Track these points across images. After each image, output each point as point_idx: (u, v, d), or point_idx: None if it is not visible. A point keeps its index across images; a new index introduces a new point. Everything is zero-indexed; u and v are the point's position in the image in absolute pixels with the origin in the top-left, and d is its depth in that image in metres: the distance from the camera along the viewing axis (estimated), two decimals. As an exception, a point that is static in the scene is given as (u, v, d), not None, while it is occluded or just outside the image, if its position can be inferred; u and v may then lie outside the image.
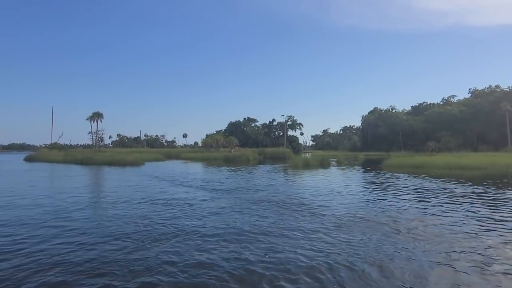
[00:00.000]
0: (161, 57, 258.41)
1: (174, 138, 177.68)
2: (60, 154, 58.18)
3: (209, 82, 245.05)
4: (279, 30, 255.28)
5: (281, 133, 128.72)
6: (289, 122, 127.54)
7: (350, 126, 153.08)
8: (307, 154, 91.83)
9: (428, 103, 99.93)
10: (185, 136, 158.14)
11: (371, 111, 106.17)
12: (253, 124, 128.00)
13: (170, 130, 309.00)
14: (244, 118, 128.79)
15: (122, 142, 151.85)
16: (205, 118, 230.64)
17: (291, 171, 30.37)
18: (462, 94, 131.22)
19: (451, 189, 15.97)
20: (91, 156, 48.05)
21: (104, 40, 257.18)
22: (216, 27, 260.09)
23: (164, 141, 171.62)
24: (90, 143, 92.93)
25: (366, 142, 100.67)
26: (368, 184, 19.20)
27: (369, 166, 37.47)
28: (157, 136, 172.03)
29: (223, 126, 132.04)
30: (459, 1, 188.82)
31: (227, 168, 35.64)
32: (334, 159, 48.58)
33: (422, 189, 16.18)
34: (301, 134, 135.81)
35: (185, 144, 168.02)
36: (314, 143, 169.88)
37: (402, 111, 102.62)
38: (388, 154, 78.17)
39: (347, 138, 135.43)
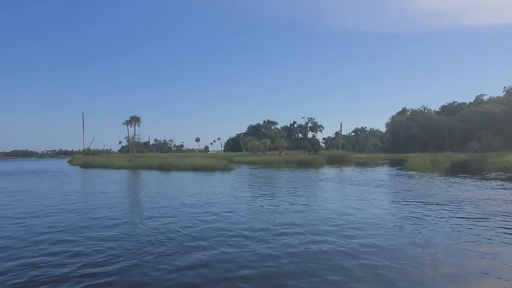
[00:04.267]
0: (165, 62, 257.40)
1: (182, 142, 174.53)
2: (123, 159, 55.09)
3: (213, 85, 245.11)
4: (276, 36, 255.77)
5: (302, 136, 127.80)
6: (309, 124, 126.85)
7: (362, 127, 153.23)
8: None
9: (459, 102, 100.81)
10: (197, 140, 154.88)
11: (400, 111, 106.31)
12: (273, 127, 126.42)
13: (176, 134, 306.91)
14: (264, 121, 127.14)
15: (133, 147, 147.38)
16: (214, 122, 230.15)
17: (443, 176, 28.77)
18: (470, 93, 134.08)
19: None
20: (168, 162, 45.31)
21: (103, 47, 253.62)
22: (216, 34, 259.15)
23: (172, 146, 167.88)
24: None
25: (396, 144, 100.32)
26: None
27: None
28: (165, 140, 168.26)
29: (236, 130, 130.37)
30: (454, 2, 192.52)
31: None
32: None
33: None
34: (313, 136, 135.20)
35: (195, 149, 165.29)
36: (324, 145, 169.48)
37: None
38: (435, 155, 78.04)
39: (365, 139, 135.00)
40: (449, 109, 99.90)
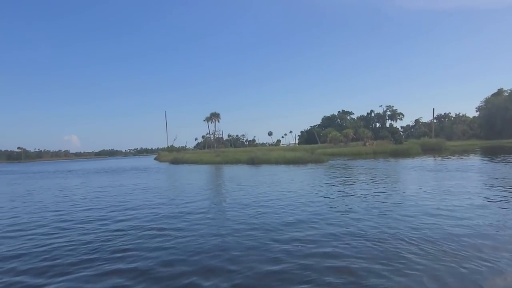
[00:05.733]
0: (234, 58, 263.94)
1: (254, 137, 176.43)
2: (211, 155, 56.36)
3: (283, 81, 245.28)
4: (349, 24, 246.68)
5: (380, 125, 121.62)
6: (388, 113, 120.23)
7: (445, 113, 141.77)
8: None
9: None
10: (270, 134, 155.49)
11: (495, 93, 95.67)
12: (348, 117, 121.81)
13: (247, 129, 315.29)
14: (339, 111, 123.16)
15: (209, 143, 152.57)
16: (285, 116, 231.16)
17: None
18: None
19: None
20: (258, 156, 44.90)
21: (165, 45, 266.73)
22: (283, 23, 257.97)
23: (245, 140, 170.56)
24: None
25: (492, 129, 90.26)
26: None
27: None
28: (237, 135, 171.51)
29: (307, 122, 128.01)
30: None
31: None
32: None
33: None
34: (391, 125, 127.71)
35: (266, 143, 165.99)
36: (402, 134, 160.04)
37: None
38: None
39: (451, 126, 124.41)
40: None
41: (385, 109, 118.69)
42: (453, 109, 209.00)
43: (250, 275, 5.39)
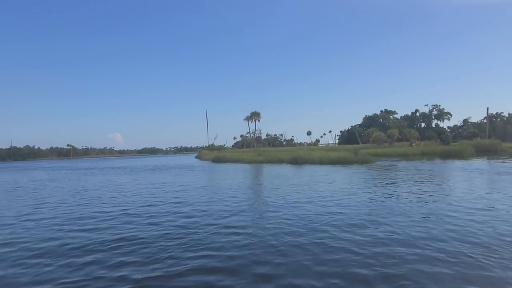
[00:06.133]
0: (270, 53, 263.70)
1: (292, 136, 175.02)
2: (253, 154, 56.21)
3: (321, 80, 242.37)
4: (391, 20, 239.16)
5: (425, 125, 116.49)
6: (434, 112, 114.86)
7: (497, 113, 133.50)
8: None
9: None
10: (309, 133, 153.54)
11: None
12: (392, 117, 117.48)
13: (285, 128, 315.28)
14: (381, 111, 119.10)
15: (247, 142, 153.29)
16: (323, 115, 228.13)
17: None
18: None
19: None
20: (301, 155, 43.98)
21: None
22: (322, 19, 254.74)
23: (283, 140, 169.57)
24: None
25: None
26: None
27: None
28: (275, 135, 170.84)
29: (347, 122, 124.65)
30: None
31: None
32: None
33: None
34: (437, 125, 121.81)
35: (304, 142, 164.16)
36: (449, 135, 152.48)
37: None
38: None
39: (504, 126, 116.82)
40: None
41: (431, 108, 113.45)
42: (506, 109, 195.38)
43: (348, 278, 4.90)
